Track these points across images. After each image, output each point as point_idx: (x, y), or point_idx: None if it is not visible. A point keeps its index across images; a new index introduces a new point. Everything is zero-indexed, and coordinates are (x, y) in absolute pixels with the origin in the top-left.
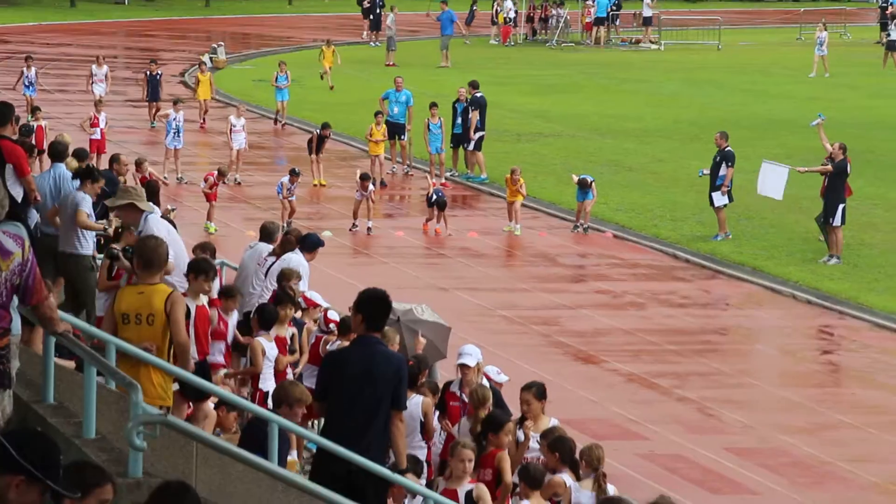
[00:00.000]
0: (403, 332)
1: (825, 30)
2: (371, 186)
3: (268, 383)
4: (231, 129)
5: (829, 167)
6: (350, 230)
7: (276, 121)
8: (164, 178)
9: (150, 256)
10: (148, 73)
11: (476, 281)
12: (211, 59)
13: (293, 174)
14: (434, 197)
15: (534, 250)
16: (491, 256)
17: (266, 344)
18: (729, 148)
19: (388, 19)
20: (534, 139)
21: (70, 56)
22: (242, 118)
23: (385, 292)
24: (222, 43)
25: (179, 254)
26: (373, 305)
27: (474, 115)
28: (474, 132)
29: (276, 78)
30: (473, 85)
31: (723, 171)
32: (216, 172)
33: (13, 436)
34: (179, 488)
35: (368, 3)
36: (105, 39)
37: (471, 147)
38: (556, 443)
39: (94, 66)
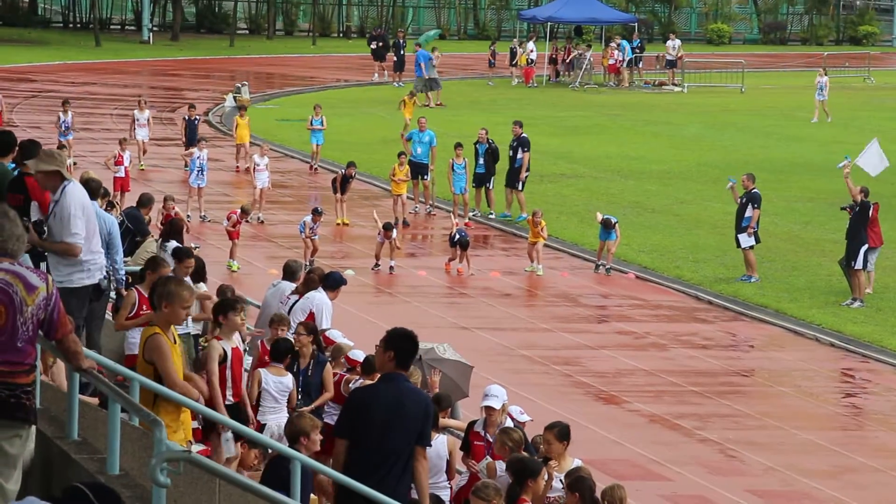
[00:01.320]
0: (425, 370)
1: (825, 74)
2: (394, 234)
3: (268, 416)
4: (255, 168)
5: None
6: (372, 269)
7: (311, 166)
8: (188, 216)
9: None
10: (187, 117)
11: (498, 321)
12: (235, 97)
13: (315, 213)
14: (457, 237)
15: (556, 290)
16: (513, 296)
17: (271, 377)
18: (756, 190)
19: (434, 60)
20: (556, 180)
21: (95, 94)
22: (266, 157)
23: (413, 332)
24: (246, 83)
25: (91, 226)
26: (403, 343)
27: (526, 156)
28: (523, 172)
29: (311, 121)
30: (519, 124)
31: (749, 212)
32: (239, 210)
33: (90, 486)
34: None
35: (378, 44)
36: (129, 78)
37: (520, 187)
38: (575, 483)
39: (136, 111)
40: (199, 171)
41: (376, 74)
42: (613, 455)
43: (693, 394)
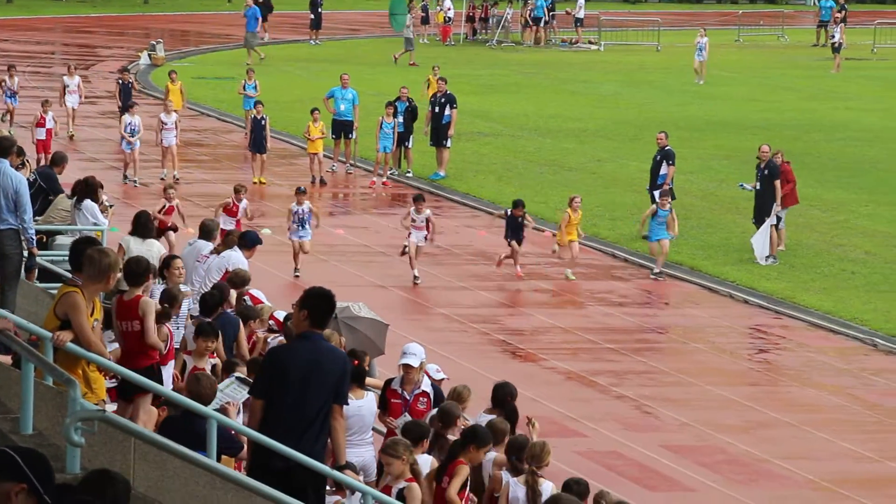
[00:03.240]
0: (341, 328)
1: (705, 35)
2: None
3: None
4: (162, 126)
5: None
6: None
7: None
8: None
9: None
10: (121, 81)
11: (408, 278)
12: (149, 55)
13: (299, 192)
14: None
15: (473, 249)
16: (430, 255)
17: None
18: (669, 147)
19: (407, 20)
20: (474, 138)
21: (6, 52)
22: (174, 115)
23: (330, 290)
24: (161, 40)
25: None
26: (318, 302)
27: (454, 112)
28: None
29: (244, 86)
30: (444, 81)
31: (664, 169)
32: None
33: (18, 450)
34: (105, 477)
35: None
36: (42, 35)
37: (448, 144)
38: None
39: (65, 77)
40: (129, 136)
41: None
42: (530, 412)
43: (609, 351)
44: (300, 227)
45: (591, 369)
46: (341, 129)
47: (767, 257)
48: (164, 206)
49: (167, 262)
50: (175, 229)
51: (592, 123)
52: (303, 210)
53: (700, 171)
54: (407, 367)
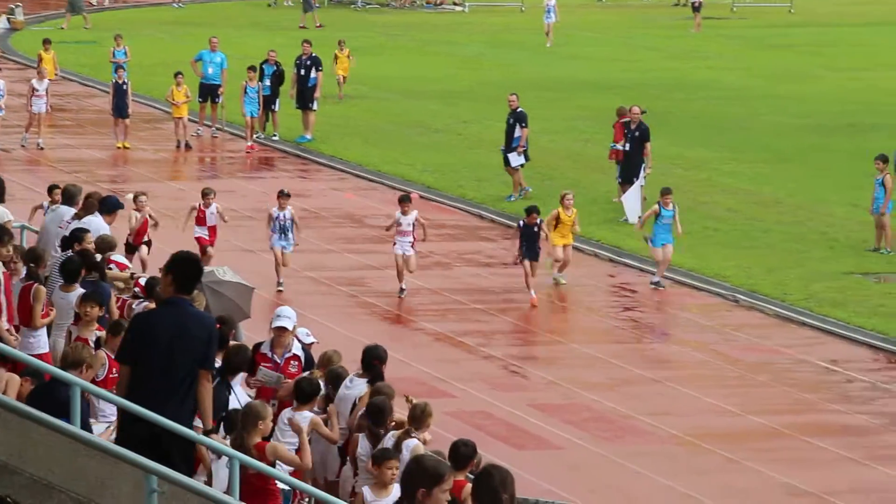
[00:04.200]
0: (206, 293)
1: None
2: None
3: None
4: (32, 93)
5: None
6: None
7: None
8: None
9: None
10: None
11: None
12: (9, 20)
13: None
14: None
15: (341, 211)
16: (298, 218)
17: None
18: (521, 109)
19: None
20: (339, 101)
21: None
22: (46, 81)
23: (196, 255)
24: (20, 4)
25: None
26: (184, 267)
27: (320, 75)
28: (318, 91)
29: (113, 53)
30: (309, 43)
31: (517, 132)
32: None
33: None
34: None
35: None
36: None
37: (314, 107)
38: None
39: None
40: None
41: None
42: (400, 374)
43: (477, 311)
44: (282, 236)
45: (459, 330)
46: (208, 92)
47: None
48: (133, 218)
49: (77, 236)
50: (150, 244)
51: (457, 85)
52: (284, 216)
53: (565, 132)
54: (280, 329)
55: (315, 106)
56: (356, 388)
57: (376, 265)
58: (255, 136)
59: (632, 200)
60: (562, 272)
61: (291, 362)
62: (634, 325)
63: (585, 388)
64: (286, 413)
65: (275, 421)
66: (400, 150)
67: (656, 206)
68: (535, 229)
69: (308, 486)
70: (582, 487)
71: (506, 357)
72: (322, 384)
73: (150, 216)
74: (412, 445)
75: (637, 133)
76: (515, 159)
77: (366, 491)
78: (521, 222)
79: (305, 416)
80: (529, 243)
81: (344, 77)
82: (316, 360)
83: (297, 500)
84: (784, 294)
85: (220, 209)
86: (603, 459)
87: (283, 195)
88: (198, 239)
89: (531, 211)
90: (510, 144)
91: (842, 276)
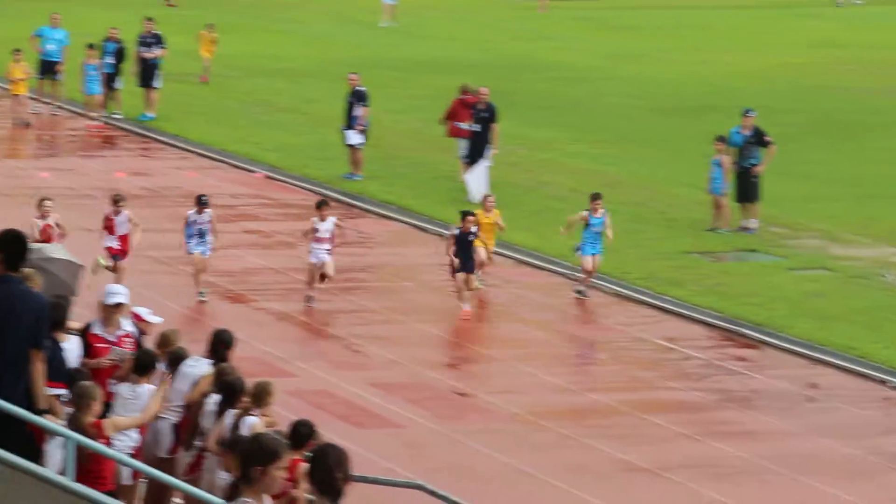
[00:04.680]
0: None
1: None
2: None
3: None
4: None
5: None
6: None
7: None
8: None
9: None
10: None
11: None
12: None
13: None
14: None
15: (182, 191)
16: (139, 197)
17: None
18: (362, 88)
19: None
20: (184, 79)
21: None
22: None
23: (22, 232)
24: None
25: None
26: (11, 245)
27: (162, 52)
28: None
29: None
30: (152, 20)
31: (357, 110)
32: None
33: None
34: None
35: None
36: None
37: (155, 84)
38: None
39: None
40: None
41: None
42: (240, 353)
43: (319, 291)
44: (200, 239)
45: (302, 309)
46: (49, 69)
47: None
48: (35, 226)
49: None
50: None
51: (304, 63)
52: (202, 219)
53: (409, 111)
54: (115, 307)
55: (158, 84)
56: (199, 367)
57: (218, 245)
58: (97, 114)
59: (477, 180)
60: (480, 274)
61: (125, 340)
62: (477, 304)
63: (427, 366)
64: (124, 387)
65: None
66: (245, 129)
67: (585, 213)
68: (470, 237)
69: (142, 465)
70: (422, 465)
71: (348, 336)
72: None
73: (56, 224)
74: (251, 423)
75: (485, 113)
76: (354, 137)
77: None
78: (456, 230)
79: (146, 389)
80: (464, 252)
81: (209, 59)
82: (154, 339)
83: (136, 479)
84: (623, 273)
85: (132, 216)
86: (443, 438)
87: (201, 203)
88: (108, 249)
89: (466, 215)
90: (350, 123)
91: (680, 255)
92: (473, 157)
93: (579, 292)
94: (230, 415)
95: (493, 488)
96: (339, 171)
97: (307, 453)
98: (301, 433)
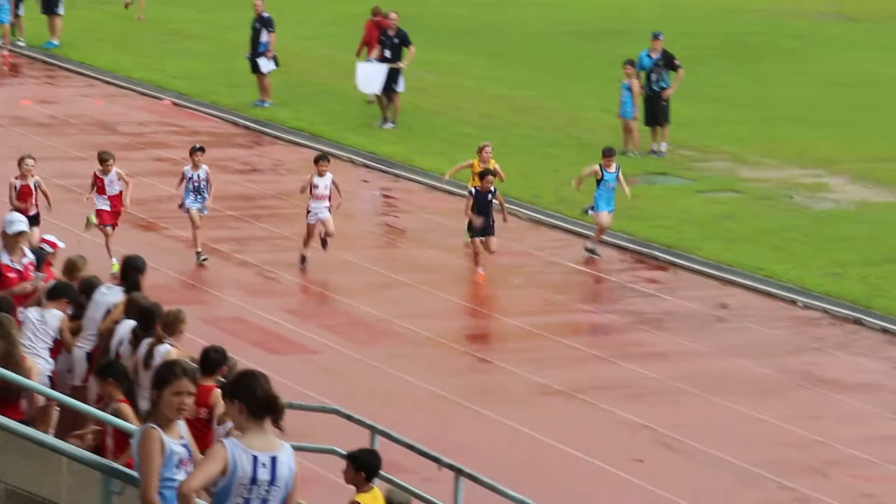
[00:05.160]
0: None
1: None
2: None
3: None
4: None
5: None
6: None
7: None
8: None
9: None
10: None
11: (28, 150)
12: None
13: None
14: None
15: (90, 118)
16: (45, 125)
17: None
18: (267, 14)
19: None
20: (89, 5)
21: None
22: None
23: None
24: None
25: None
26: None
27: None
28: None
29: None
30: None
31: (264, 36)
32: None
33: None
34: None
35: None
36: None
37: (59, 11)
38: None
39: None
40: None
41: None
42: (153, 281)
43: (231, 218)
44: (197, 196)
45: (213, 237)
46: None
47: (385, 121)
48: (13, 186)
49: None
50: (37, 219)
51: None
52: (198, 176)
53: (318, 38)
54: (17, 235)
55: (61, 10)
56: (112, 295)
57: (129, 172)
58: (4, 42)
59: (370, 74)
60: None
61: (29, 268)
62: (389, 230)
63: (340, 293)
64: (32, 311)
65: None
66: (152, 56)
67: (597, 167)
68: (489, 197)
69: (56, 393)
70: (337, 391)
71: (260, 263)
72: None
73: (37, 186)
74: (164, 351)
75: (396, 39)
76: (266, 65)
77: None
78: (474, 189)
79: (54, 314)
80: (483, 214)
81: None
82: (61, 266)
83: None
84: (535, 197)
85: (121, 173)
86: (358, 363)
87: (197, 150)
88: (99, 213)
89: (486, 174)
90: (256, 50)
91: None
92: (387, 84)
93: (590, 251)
94: (144, 343)
95: (408, 412)
96: (249, 99)
97: (220, 379)
98: (212, 359)
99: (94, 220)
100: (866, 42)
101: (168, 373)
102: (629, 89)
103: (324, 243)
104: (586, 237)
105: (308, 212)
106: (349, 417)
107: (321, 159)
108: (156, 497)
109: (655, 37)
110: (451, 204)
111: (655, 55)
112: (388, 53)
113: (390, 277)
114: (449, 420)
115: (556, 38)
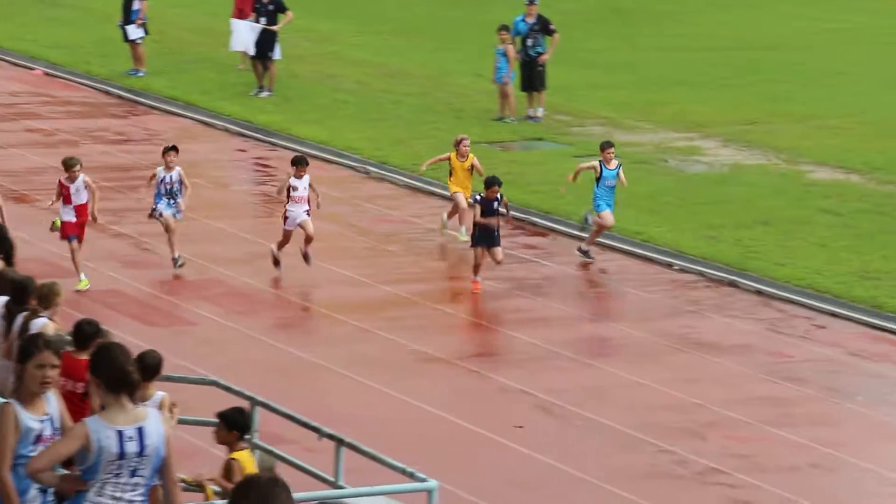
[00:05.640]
0: None
1: None
2: None
3: None
4: None
5: None
6: None
7: None
8: None
9: None
10: None
11: None
12: None
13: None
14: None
15: None
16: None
17: None
18: None
19: None
20: None
21: None
22: None
23: None
24: None
25: None
26: None
27: None
28: None
29: None
30: None
31: (136, 4)
32: None
33: None
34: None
35: None
36: None
37: None
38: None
39: None
40: None
41: None
42: (26, 255)
43: (107, 189)
44: (170, 201)
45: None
46: None
47: (262, 90)
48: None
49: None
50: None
51: None
52: (171, 178)
53: (192, 5)
54: None
55: None
56: None
57: (0, 143)
58: None
59: (244, 32)
60: (462, 224)
61: None
62: (266, 199)
63: (218, 263)
64: None
65: None
66: (22, 25)
67: (595, 163)
68: (496, 205)
69: None
70: (215, 362)
71: (137, 234)
72: None
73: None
74: (40, 325)
75: (271, 6)
76: (133, 32)
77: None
78: (478, 196)
79: None
80: (485, 224)
81: None
82: None
83: None
84: (413, 164)
85: (88, 181)
86: (237, 334)
87: (170, 150)
88: (63, 225)
89: (491, 183)
90: (128, 18)
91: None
92: (262, 51)
93: (584, 252)
94: (19, 317)
95: (288, 383)
96: (122, 68)
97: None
98: (85, 332)
99: (59, 224)
100: (741, 4)
101: (30, 346)
102: (504, 55)
103: (305, 258)
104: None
105: (286, 217)
106: (228, 389)
107: (301, 163)
108: (6, 474)
109: (531, 2)
110: (329, 172)
111: (531, 20)
112: (263, 21)
113: (267, 247)
114: (329, 390)
115: (430, 4)
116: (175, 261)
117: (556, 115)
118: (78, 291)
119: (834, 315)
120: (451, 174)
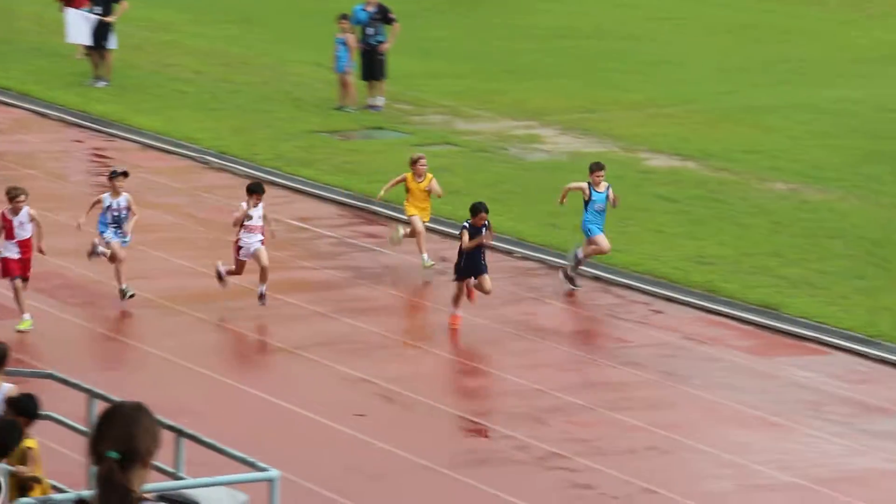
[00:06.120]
0: None
1: None
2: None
3: None
4: None
5: None
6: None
7: None
8: None
9: None
10: None
11: None
12: None
13: (117, 175)
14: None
15: None
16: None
17: None
18: None
19: None
20: None
21: None
22: None
23: None
24: None
25: None
26: None
27: None
28: None
29: None
30: None
31: None
32: None
33: None
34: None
35: None
36: None
37: None
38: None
39: None
40: None
41: None
42: None
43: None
44: (116, 230)
45: None
46: None
47: (98, 80)
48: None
49: None
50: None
51: None
52: (118, 204)
53: None
54: None
55: None
56: None
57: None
58: None
59: (79, 23)
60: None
61: None
62: (103, 190)
63: (54, 254)
64: None
65: None
66: None
67: (584, 185)
68: (484, 231)
69: None
70: (54, 355)
71: None
72: None
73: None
74: None
75: None
76: None
77: None
78: (466, 223)
79: None
80: (475, 252)
81: None
82: None
83: None
84: (253, 154)
85: (33, 213)
86: (74, 326)
87: (119, 175)
88: (4, 262)
89: (478, 209)
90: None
91: (308, 134)
92: (98, 40)
93: (569, 279)
94: None
95: (127, 374)
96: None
97: None
98: None
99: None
100: None
101: None
102: (344, 44)
103: (261, 298)
104: (305, 193)
105: (239, 247)
106: (65, 382)
107: (257, 190)
108: None
109: None
110: (168, 163)
111: (371, 9)
112: (98, 10)
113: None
114: (169, 381)
115: None
116: (123, 293)
117: (396, 104)
118: (20, 331)
119: (670, 300)
120: (407, 195)
